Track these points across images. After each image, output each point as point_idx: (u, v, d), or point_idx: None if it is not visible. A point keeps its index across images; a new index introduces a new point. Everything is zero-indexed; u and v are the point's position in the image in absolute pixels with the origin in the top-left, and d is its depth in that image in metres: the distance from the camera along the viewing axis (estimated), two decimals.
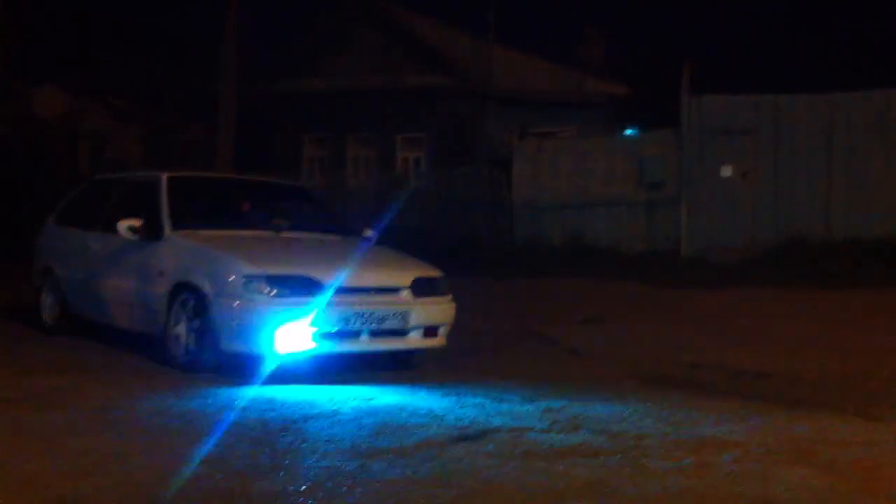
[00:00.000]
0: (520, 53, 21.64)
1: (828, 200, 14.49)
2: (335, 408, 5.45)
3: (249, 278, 6.26)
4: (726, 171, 15.13)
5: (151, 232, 7.10)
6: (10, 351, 7.40)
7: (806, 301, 10.79)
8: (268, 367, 6.28)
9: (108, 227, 7.46)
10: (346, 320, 6.39)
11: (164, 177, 7.58)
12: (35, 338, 8.18)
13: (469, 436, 4.82)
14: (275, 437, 4.75)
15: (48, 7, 19.99)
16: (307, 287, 6.33)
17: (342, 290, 6.44)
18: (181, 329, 6.62)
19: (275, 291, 6.25)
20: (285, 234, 7.45)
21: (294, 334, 6.24)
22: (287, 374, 6.33)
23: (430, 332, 6.83)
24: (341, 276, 6.53)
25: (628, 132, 17.18)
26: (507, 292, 12.12)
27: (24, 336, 8.27)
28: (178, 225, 7.12)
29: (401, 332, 6.71)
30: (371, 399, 5.73)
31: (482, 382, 6.35)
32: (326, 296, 6.35)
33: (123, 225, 7.11)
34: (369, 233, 8.02)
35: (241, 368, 6.34)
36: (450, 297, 7.04)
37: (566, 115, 19.05)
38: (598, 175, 16.56)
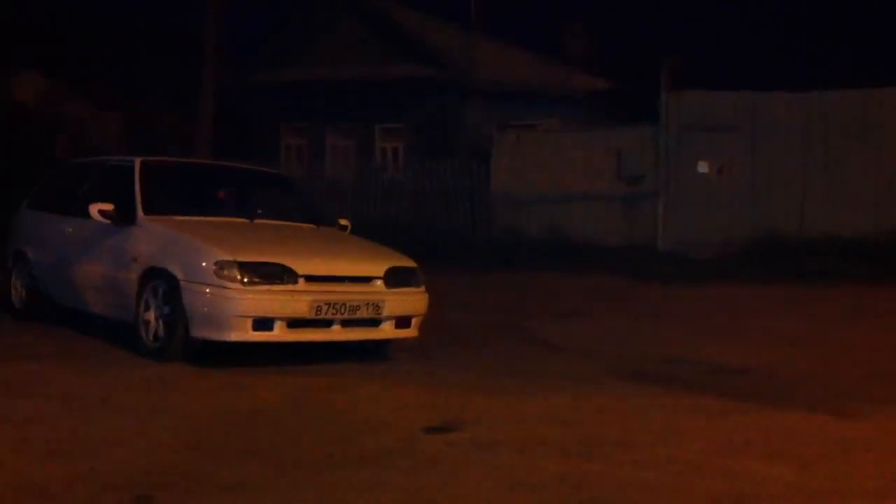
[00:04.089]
0: (502, 45, 21.58)
1: (804, 198, 14.55)
2: (307, 396, 5.40)
3: (221, 265, 6.19)
4: (702, 167, 15.17)
5: (124, 216, 7.00)
6: None
7: (782, 298, 10.84)
8: (238, 354, 6.21)
9: (81, 212, 7.32)
10: (318, 309, 6.32)
11: (138, 161, 7.46)
12: (4, 321, 8.05)
13: (441, 427, 4.79)
14: (244, 424, 4.71)
15: None
16: (279, 275, 6.26)
17: (314, 279, 6.39)
18: (151, 315, 6.53)
19: (246, 279, 6.17)
20: (259, 221, 7.36)
21: (265, 322, 6.17)
22: (258, 362, 6.28)
23: (402, 322, 6.78)
24: (314, 265, 6.48)
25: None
26: (485, 285, 12.07)
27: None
28: (150, 210, 7.02)
29: (373, 322, 6.65)
30: (344, 390, 5.67)
31: (455, 374, 6.31)
32: (298, 284, 6.29)
33: (95, 209, 7.00)
34: (344, 222, 7.96)
35: (211, 355, 6.28)
36: (423, 288, 6.98)
37: (547, 108, 19.02)
38: (576, 168, 16.54)
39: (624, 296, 11.28)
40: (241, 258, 6.24)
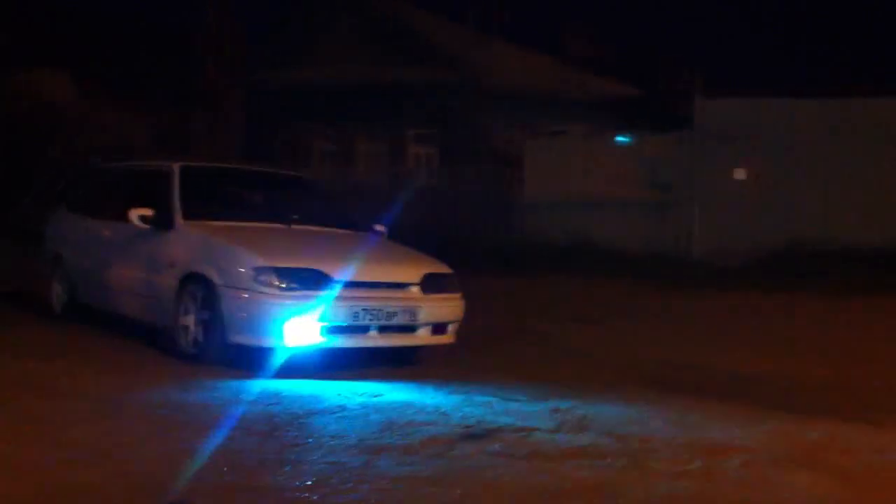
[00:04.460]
0: (530, 51, 21.61)
1: (831, 206, 14.51)
2: (341, 403, 5.46)
3: (259, 270, 6.26)
4: (739, 174, 15.13)
5: (163, 222, 7.10)
6: (20, 336, 7.39)
7: (808, 306, 10.82)
8: (275, 360, 6.28)
9: (119, 216, 7.44)
10: (355, 315, 6.38)
11: (177, 166, 7.56)
12: (44, 324, 8.16)
13: (476, 434, 4.82)
14: (281, 431, 4.76)
15: None
16: (317, 281, 6.33)
17: (351, 285, 6.44)
18: (189, 320, 6.62)
19: (284, 284, 6.24)
20: (296, 227, 7.43)
21: (302, 328, 6.24)
22: (294, 368, 6.33)
23: (438, 329, 6.82)
24: (351, 271, 6.52)
25: (619, 139, 17.17)
26: (515, 291, 12.09)
27: (33, 322, 8.25)
28: (189, 215, 7.11)
29: (410, 329, 6.70)
30: (378, 395, 5.73)
31: (489, 381, 6.34)
32: (336, 290, 6.34)
33: (135, 214, 7.11)
34: (380, 228, 8.01)
35: (248, 361, 6.34)
36: (459, 294, 7.03)
37: (576, 114, 19.00)
38: (606, 175, 16.59)
39: (653, 302, 11.29)
40: (278, 263, 6.31)
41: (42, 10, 20.18)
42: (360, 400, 5.57)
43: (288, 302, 6.22)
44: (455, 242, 15.61)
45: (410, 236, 14.04)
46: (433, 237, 15.64)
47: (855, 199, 14.44)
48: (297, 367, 6.35)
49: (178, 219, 7.08)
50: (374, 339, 6.53)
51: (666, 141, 16.17)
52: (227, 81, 17.75)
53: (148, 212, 7.11)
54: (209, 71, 17.87)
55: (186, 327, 6.65)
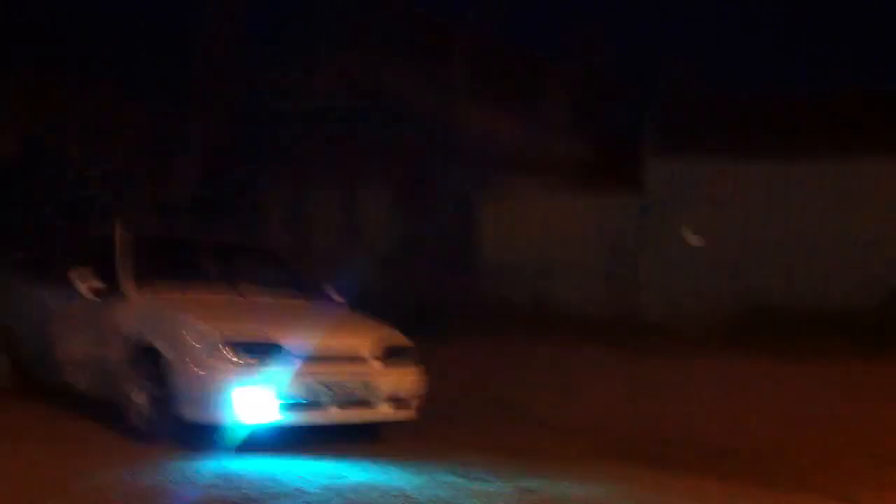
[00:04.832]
0: (485, 106, 21.61)
1: (790, 269, 14.61)
2: (301, 486, 5.22)
3: (213, 344, 6.04)
4: (694, 239, 15.18)
5: (112, 291, 6.85)
6: None
7: (771, 372, 10.75)
8: (231, 437, 6.04)
9: (67, 284, 7.16)
10: (313, 391, 6.17)
11: (126, 234, 7.33)
12: None
13: None
14: None
15: None
16: (273, 354, 6.13)
17: (309, 359, 6.24)
18: (141, 396, 6.35)
19: (239, 358, 6.03)
20: (251, 297, 7.23)
21: (258, 404, 6.01)
22: (252, 444, 6.09)
23: (400, 403, 6.63)
24: (308, 344, 6.34)
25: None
26: (474, 357, 11.80)
27: None
28: (140, 285, 6.88)
29: (369, 403, 6.50)
30: (340, 477, 5.49)
31: (454, 457, 6.14)
32: (292, 364, 6.15)
33: (83, 284, 6.86)
34: (338, 298, 7.83)
35: (203, 439, 6.08)
36: (420, 366, 6.86)
37: (528, 173, 19.02)
38: (562, 237, 16.57)
39: (614, 369, 11.10)
40: (232, 336, 6.10)
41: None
42: (321, 482, 5.33)
43: (243, 376, 6.01)
44: (409, 303, 15.49)
45: (365, 297, 13.91)
46: (390, 299, 15.54)
47: (816, 262, 14.54)
48: (255, 444, 6.11)
49: (130, 288, 6.84)
50: (332, 415, 6.31)
51: (620, 202, 16.22)
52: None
53: (97, 281, 6.86)
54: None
55: (138, 403, 6.38)
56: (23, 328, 7.97)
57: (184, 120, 17.64)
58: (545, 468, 5.91)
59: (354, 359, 6.54)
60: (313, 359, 6.27)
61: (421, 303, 15.84)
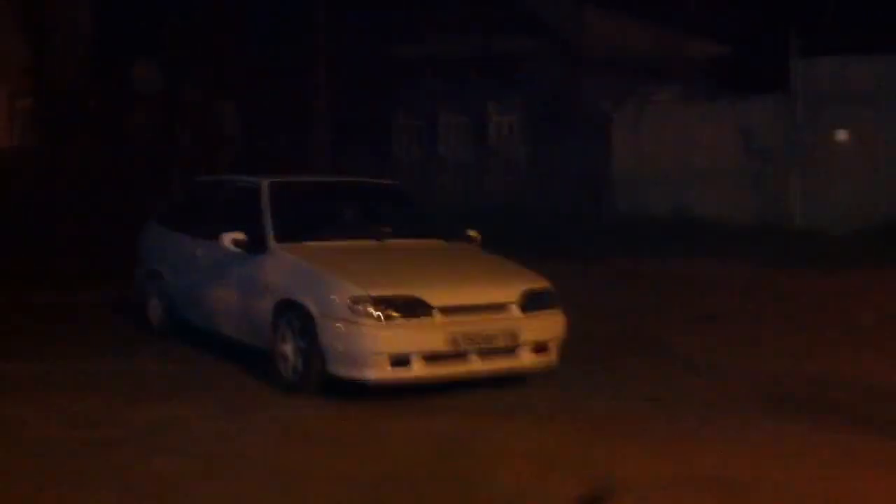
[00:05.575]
0: (615, 13, 20.87)
1: None
2: (444, 455, 5.19)
3: (355, 300, 6.09)
4: (841, 136, 14.39)
5: (255, 245, 6.97)
6: (117, 362, 7.38)
7: None
8: (376, 392, 6.14)
9: (212, 236, 7.32)
10: (455, 342, 6.17)
11: (266, 183, 7.41)
12: (142, 343, 8.15)
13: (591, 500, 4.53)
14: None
15: None
16: (414, 308, 6.14)
17: (449, 310, 6.23)
18: (288, 348, 6.49)
19: (381, 313, 6.07)
20: (390, 242, 7.22)
21: (402, 359, 6.06)
22: (396, 396, 6.17)
23: (540, 348, 6.57)
24: (449, 294, 6.32)
25: None
26: (612, 281, 11.54)
27: (132, 341, 8.24)
28: (281, 237, 6.94)
29: (510, 351, 6.46)
30: (483, 439, 5.47)
31: (597, 411, 6.04)
32: (434, 317, 6.15)
33: (227, 238, 6.99)
34: (474, 234, 7.75)
35: (349, 392, 6.20)
36: (559, 309, 6.76)
37: (666, 78, 18.33)
38: (702, 144, 16.01)
39: (762, 291, 10.67)
40: (375, 292, 6.12)
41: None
42: (463, 449, 5.20)
43: (387, 332, 6.05)
44: (546, 224, 15.34)
45: (499, 219, 13.82)
46: (522, 219, 15.44)
47: None
48: (399, 395, 6.18)
49: (272, 242, 6.94)
50: (475, 365, 6.30)
51: (763, 104, 15.47)
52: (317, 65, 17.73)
53: (240, 235, 6.98)
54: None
55: (285, 355, 6.52)
56: (171, 273, 8.24)
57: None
58: (690, 426, 5.69)
59: (495, 307, 6.48)
60: (455, 310, 6.27)
61: (553, 218, 15.70)
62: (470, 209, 15.77)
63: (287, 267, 6.77)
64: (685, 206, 15.50)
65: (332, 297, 6.22)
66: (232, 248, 6.99)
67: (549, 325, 6.63)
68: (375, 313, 6.06)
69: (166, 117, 21.43)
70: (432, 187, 17.98)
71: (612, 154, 16.83)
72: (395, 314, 6.09)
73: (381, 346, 6.04)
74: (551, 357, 6.66)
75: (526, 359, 6.54)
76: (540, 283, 6.78)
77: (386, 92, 20.56)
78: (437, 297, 6.22)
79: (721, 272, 11.73)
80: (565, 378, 6.79)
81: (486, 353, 6.33)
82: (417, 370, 6.12)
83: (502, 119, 20.44)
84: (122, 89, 21.46)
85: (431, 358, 6.15)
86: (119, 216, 13.72)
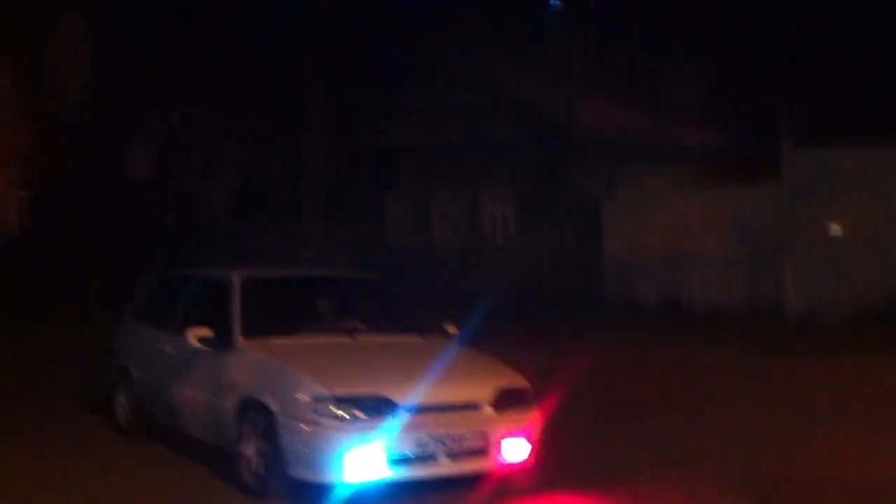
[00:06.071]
0: (606, 98, 21.01)
1: None
2: None
3: (317, 398, 5.83)
4: (835, 230, 14.25)
5: (221, 341, 6.74)
6: (77, 462, 7.09)
7: None
8: (340, 497, 5.83)
9: (180, 330, 7.11)
10: (424, 444, 5.90)
11: (237, 278, 7.21)
12: (106, 441, 7.85)
13: None
14: None
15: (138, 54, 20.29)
16: (380, 408, 5.88)
17: (420, 410, 5.97)
18: (250, 450, 6.21)
19: (345, 414, 5.80)
20: (362, 338, 6.98)
21: (366, 461, 5.77)
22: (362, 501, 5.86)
23: (515, 449, 6.29)
24: (417, 393, 6.05)
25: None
26: (599, 366, 11.28)
27: (94, 439, 7.94)
28: (249, 332, 6.72)
29: (482, 451, 6.18)
30: None
31: None
32: (401, 417, 5.89)
33: (193, 333, 6.77)
34: (451, 329, 7.52)
35: (312, 497, 5.89)
36: (535, 408, 6.50)
37: (658, 164, 18.32)
38: (693, 231, 15.86)
39: (754, 378, 10.41)
40: (338, 391, 5.86)
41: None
42: None
43: (350, 433, 5.78)
44: (533, 307, 15.13)
45: (487, 304, 13.57)
46: (511, 302, 15.21)
47: None
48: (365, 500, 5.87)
49: (238, 337, 6.71)
50: (443, 468, 6.02)
51: (754, 192, 15.38)
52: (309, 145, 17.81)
53: (206, 331, 6.76)
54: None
55: (247, 458, 6.24)
56: (139, 370, 7.99)
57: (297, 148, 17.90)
58: None
59: (468, 406, 6.22)
60: (425, 410, 6.00)
61: (543, 303, 15.47)
62: (460, 294, 15.60)
63: (252, 363, 6.52)
64: (675, 293, 15.30)
65: (293, 395, 5.96)
66: (196, 344, 6.76)
67: (525, 426, 6.36)
68: (338, 413, 5.80)
69: (156, 203, 21.53)
70: (424, 272, 17.82)
71: (602, 239, 16.69)
72: (359, 414, 5.83)
73: (343, 449, 5.75)
74: (526, 457, 6.36)
75: (499, 459, 6.25)
76: (516, 382, 6.53)
77: (378, 178, 20.58)
78: (404, 395, 5.97)
79: (708, 359, 11.46)
80: (545, 470, 6.49)
81: (456, 455, 6.04)
82: (382, 473, 5.83)
83: (494, 204, 20.38)
84: (114, 178, 21.63)
85: (399, 460, 5.87)
86: (108, 302, 13.64)
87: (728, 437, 7.80)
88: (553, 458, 6.67)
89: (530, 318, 14.37)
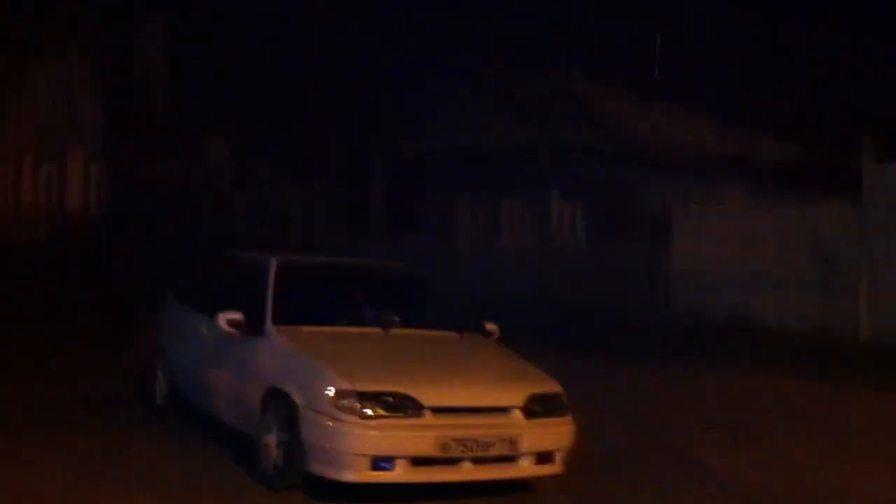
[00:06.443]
0: (681, 110, 20.43)
1: None
2: None
3: (339, 394, 5.63)
4: None
5: (252, 326, 6.59)
6: (106, 441, 7.03)
7: None
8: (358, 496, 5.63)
9: (213, 312, 6.96)
10: (445, 447, 5.64)
11: (273, 262, 7.06)
12: (139, 421, 7.77)
13: None
14: None
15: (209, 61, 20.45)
16: (403, 406, 5.65)
17: (444, 411, 5.73)
18: (272, 440, 6.04)
19: (368, 411, 5.59)
20: (395, 331, 6.76)
21: (385, 461, 5.56)
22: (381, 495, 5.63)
23: (543, 458, 6.00)
24: (444, 394, 5.82)
25: None
26: (654, 386, 10.75)
27: (130, 418, 7.87)
28: (280, 319, 6.56)
29: (509, 459, 5.90)
30: None
31: None
32: (426, 417, 5.65)
33: (223, 317, 6.64)
34: (491, 327, 7.24)
35: (330, 494, 5.69)
36: (569, 417, 6.18)
37: (731, 179, 17.69)
38: (766, 248, 15.27)
39: (819, 410, 9.57)
40: (361, 386, 5.66)
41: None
42: None
43: (371, 432, 5.56)
44: (594, 318, 14.74)
45: (547, 310, 13.27)
46: (572, 313, 14.88)
47: None
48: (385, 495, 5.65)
49: (269, 323, 6.55)
50: (466, 473, 5.76)
51: (832, 209, 14.73)
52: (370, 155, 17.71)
53: (237, 316, 6.62)
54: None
55: (268, 447, 6.07)
56: (175, 350, 7.92)
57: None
58: None
59: (495, 410, 5.96)
60: (449, 411, 5.77)
61: (605, 315, 15.07)
62: (523, 300, 15.36)
63: (279, 352, 6.36)
64: (744, 311, 14.73)
65: (315, 387, 5.78)
66: (227, 328, 6.63)
67: (556, 434, 6.06)
68: (360, 409, 5.59)
69: (232, 190, 21.69)
70: (491, 276, 17.61)
71: (671, 253, 16.21)
72: (381, 411, 5.61)
73: (362, 446, 5.54)
74: (556, 467, 6.07)
75: (526, 469, 5.98)
76: (550, 387, 6.24)
77: (448, 180, 20.34)
78: (430, 395, 5.73)
79: (774, 388, 10.83)
80: (576, 492, 6.18)
81: (480, 461, 5.78)
82: (401, 474, 5.60)
83: (563, 212, 19.98)
84: (190, 162, 21.86)
85: (418, 462, 5.63)
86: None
87: (781, 471, 7.27)
88: (585, 472, 6.36)
89: (589, 327, 14.00)
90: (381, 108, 17.62)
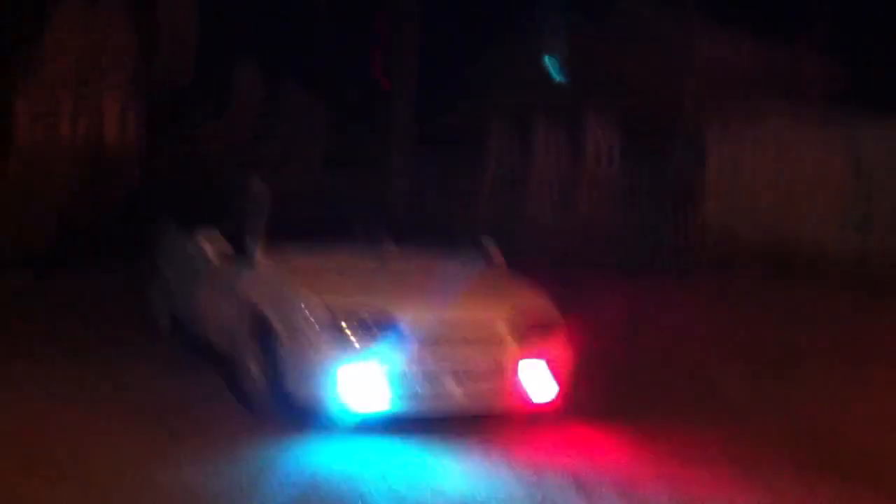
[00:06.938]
0: (723, 26, 19.59)
1: None
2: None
3: (321, 317, 5.38)
4: None
5: (240, 250, 6.34)
6: (100, 365, 6.88)
7: None
8: (340, 423, 5.40)
9: (206, 237, 6.72)
10: (435, 377, 5.38)
11: (265, 189, 6.79)
12: (133, 344, 7.63)
13: None
14: None
15: None
16: (391, 333, 5.38)
17: (434, 339, 5.45)
18: (255, 365, 5.84)
19: (350, 335, 5.34)
20: (391, 259, 6.42)
21: (371, 389, 5.32)
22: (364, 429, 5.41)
23: (539, 389, 5.71)
24: (435, 321, 5.52)
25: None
26: (691, 304, 10.30)
27: (127, 340, 7.74)
28: (270, 245, 6.25)
29: (501, 391, 5.63)
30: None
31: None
32: (414, 345, 5.38)
33: (211, 247, 6.41)
34: (492, 249, 6.88)
35: (313, 419, 5.48)
36: (563, 335, 5.86)
37: (775, 99, 16.98)
38: (806, 167, 14.66)
39: (856, 330, 9.22)
40: (347, 313, 5.39)
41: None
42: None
43: (354, 357, 5.31)
44: (627, 237, 14.43)
45: (579, 233, 12.88)
46: (603, 234, 14.53)
47: None
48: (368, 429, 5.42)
49: (256, 249, 6.28)
50: (456, 405, 5.50)
51: (876, 130, 14.05)
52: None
53: (225, 245, 6.38)
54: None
55: (249, 371, 5.88)
56: (175, 281, 7.73)
57: None
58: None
59: (488, 338, 5.66)
60: (439, 339, 5.48)
61: (637, 236, 14.69)
62: (550, 223, 15.05)
63: (265, 277, 6.11)
64: (783, 232, 14.22)
65: (298, 311, 5.53)
66: (215, 259, 6.41)
67: (551, 360, 5.76)
68: (345, 335, 5.33)
69: (266, 118, 21.44)
70: (521, 202, 17.20)
71: (707, 172, 15.64)
72: (367, 338, 5.35)
73: (345, 374, 5.30)
74: (550, 399, 5.78)
75: (518, 399, 5.69)
76: (547, 314, 5.92)
77: (479, 101, 19.84)
78: (420, 322, 5.45)
79: (816, 302, 10.30)
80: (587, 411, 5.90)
81: (470, 391, 5.50)
82: (385, 403, 5.36)
83: (601, 136, 19.38)
84: (223, 93, 21.60)
85: (406, 391, 5.38)
86: None
87: (807, 408, 6.68)
88: (586, 397, 6.04)
89: (620, 248, 13.65)
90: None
